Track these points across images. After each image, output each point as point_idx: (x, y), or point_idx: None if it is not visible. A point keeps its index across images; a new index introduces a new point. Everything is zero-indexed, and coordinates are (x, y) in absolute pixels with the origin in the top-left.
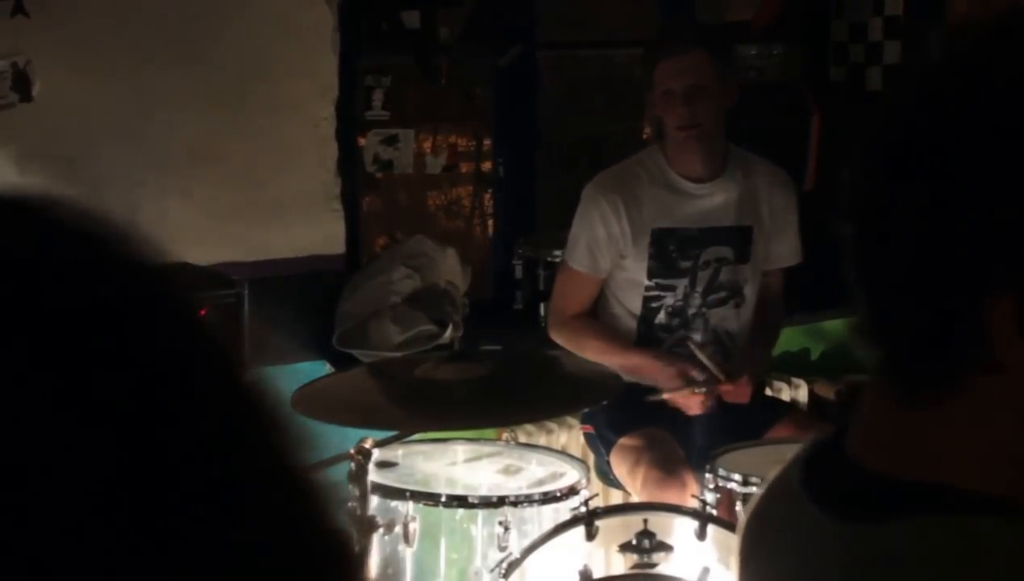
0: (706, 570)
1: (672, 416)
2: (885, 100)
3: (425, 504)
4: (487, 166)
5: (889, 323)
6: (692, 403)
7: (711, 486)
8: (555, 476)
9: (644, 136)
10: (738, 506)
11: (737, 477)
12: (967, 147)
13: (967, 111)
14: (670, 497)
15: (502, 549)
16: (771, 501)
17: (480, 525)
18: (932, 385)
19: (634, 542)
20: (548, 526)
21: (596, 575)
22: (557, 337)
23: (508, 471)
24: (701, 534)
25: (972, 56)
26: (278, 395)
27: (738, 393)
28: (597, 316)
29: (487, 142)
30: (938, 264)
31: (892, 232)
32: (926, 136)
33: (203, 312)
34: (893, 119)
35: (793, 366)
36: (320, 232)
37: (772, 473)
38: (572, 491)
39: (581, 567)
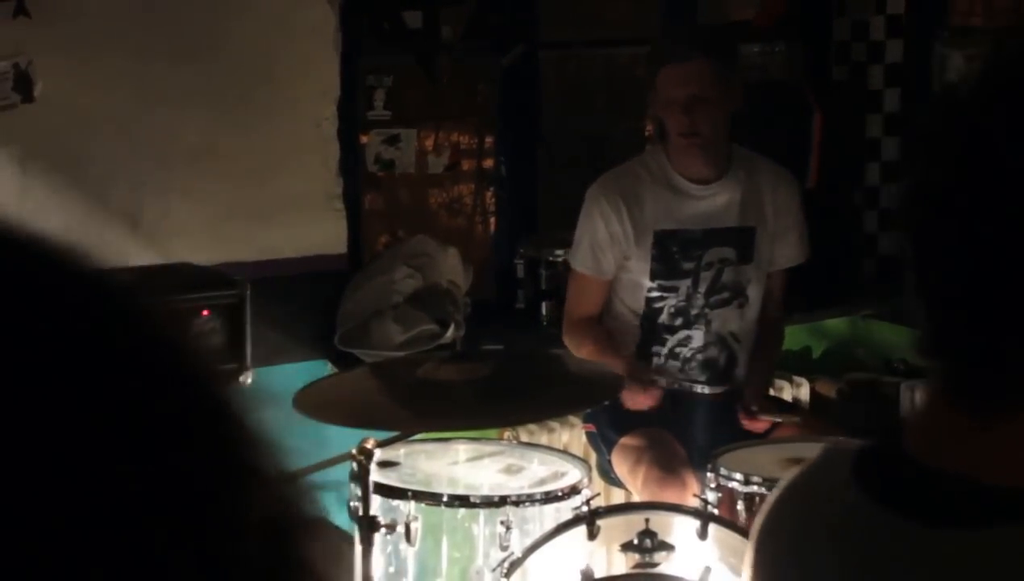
0: (708, 569)
1: (673, 416)
2: (932, 113)
3: (427, 504)
4: (489, 165)
5: (950, 339)
6: (640, 400)
7: (712, 485)
8: (557, 475)
9: (647, 133)
10: (739, 505)
11: (738, 476)
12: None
13: (1019, 127)
14: (671, 496)
15: (504, 548)
16: (812, 503)
17: (482, 524)
18: (1000, 399)
19: (635, 541)
20: (550, 525)
21: (598, 574)
22: (565, 341)
23: (510, 470)
24: (703, 533)
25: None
26: (248, 400)
27: (756, 424)
28: (602, 317)
29: (489, 141)
30: (997, 279)
31: (950, 250)
32: (980, 152)
33: (205, 313)
34: (944, 135)
35: (795, 364)
36: (322, 232)
37: (787, 474)
38: (574, 490)
39: (583, 566)
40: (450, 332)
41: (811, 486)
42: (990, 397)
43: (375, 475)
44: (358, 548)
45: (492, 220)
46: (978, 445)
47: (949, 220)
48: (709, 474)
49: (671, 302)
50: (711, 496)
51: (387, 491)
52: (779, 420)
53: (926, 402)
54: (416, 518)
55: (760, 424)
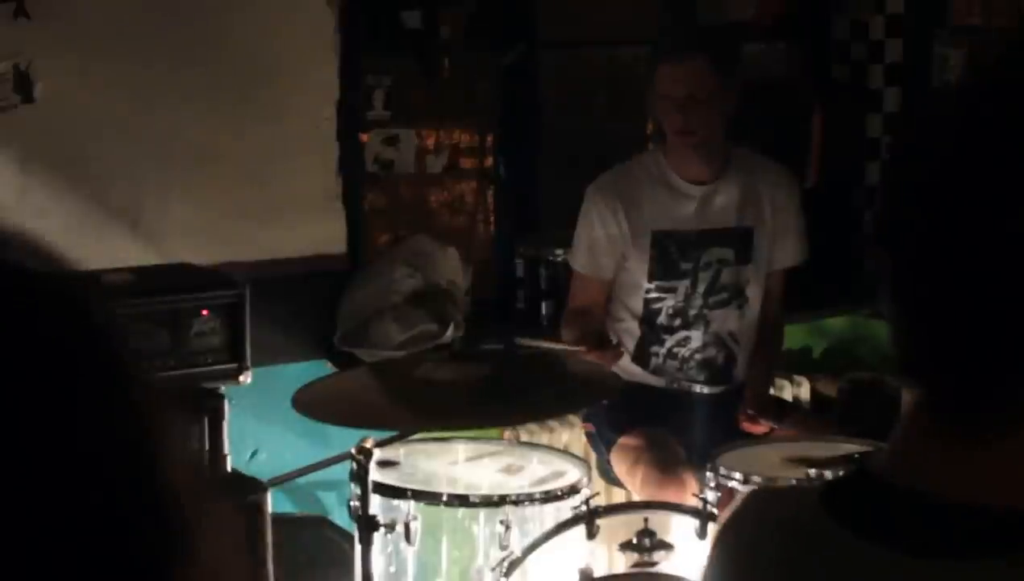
0: None
1: (673, 415)
2: (918, 118)
3: (427, 503)
4: (489, 165)
5: (940, 354)
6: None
7: (712, 484)
8: (556, 475)
9: (648, 131)
10: None
11: (738, 475)
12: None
13: (1015, 128)
14: (669, 496)
15: (503, 548)
16: (783, 538)
17: (482, 524)
18: (1000, 415)
19: (634, 541)
20: (549, 525)
21: (597, 573)
22: (562, 334)
23: (509, 470)
24: (702, 533)
25: (1005, 74)
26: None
27: (755, 427)
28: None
29: (489, 140)
30: (991, 288)
31: (938, 258)
32: (970, 157)
33: (204, 313)
34: (933, 141)
35: (795, 364)
36: (321, 232)
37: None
38: (573, 490)
39: (582, 565)
40: (449, 332)
41: (777, 517)
42: (989, 414)
43: (375, 474)
44: (358, 547)
45: (492, 220)
46: (976, 466)
47: (938, 224)
48: (708, 473)
49: (669, 303)
50: (710, 495)
51: (387, 490)
52: (777, 426)
53: (905, 424)
54: (416, 517)
55: (759, 427)
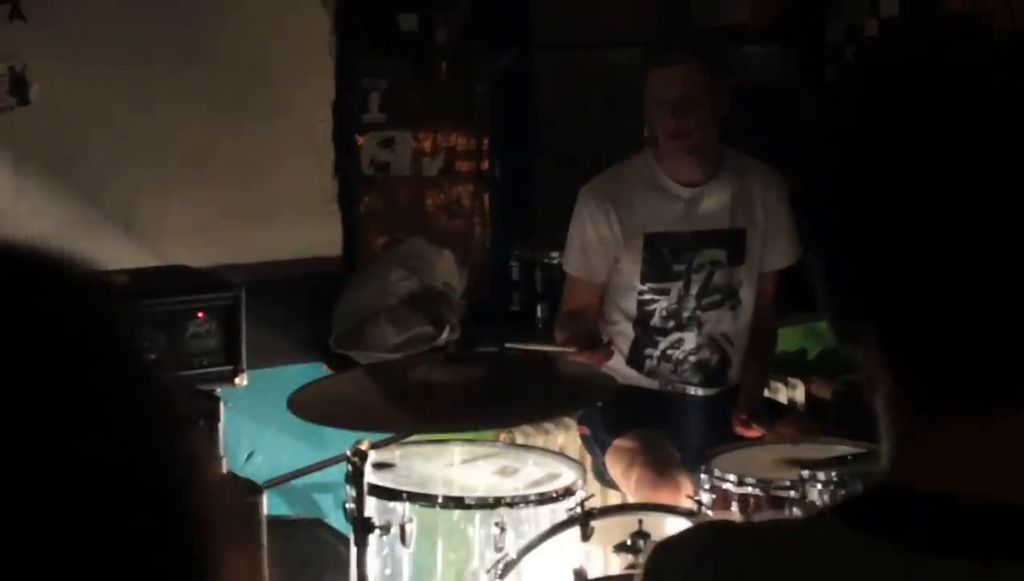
0: None
1: (667, 417)
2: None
3: (422, 505)
4: (485, 168)
5: (932, 338)
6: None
7: (706, 486)
8: (551, 477)
9: (645, 135)
10: (734, 506)
11: (732, 477)
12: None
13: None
14: (663, 498)
15: (498, 550)
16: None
17: (477, 526)
18: (1003, 390)
19: (629, 542)
20: (544, 527)
21: (591, 575)
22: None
23: (505, 472)
24: None
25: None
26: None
27: (749, 431)
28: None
29: (485, 143)
30: (997, 272)
31: (932, 255)
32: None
33: (200, 315)
34: (833, 129)
35: (790, 366)
36: (317, 234)
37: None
38: (568, 492)
39: (577, 567)
40: (445, 334)
41: (788, 536)
42: (997, 389)
43: (370, 476)
44: (353, 549)
45: (488, 222)
46: (985, 456)
47: (926, 195)
48: (703, 475)
49: (663, 304)
50: (705, 497)
51: (382, 492)
52: (769, 432)
53: (902, 426)
54: (411, 519)
55: (753, 431)
